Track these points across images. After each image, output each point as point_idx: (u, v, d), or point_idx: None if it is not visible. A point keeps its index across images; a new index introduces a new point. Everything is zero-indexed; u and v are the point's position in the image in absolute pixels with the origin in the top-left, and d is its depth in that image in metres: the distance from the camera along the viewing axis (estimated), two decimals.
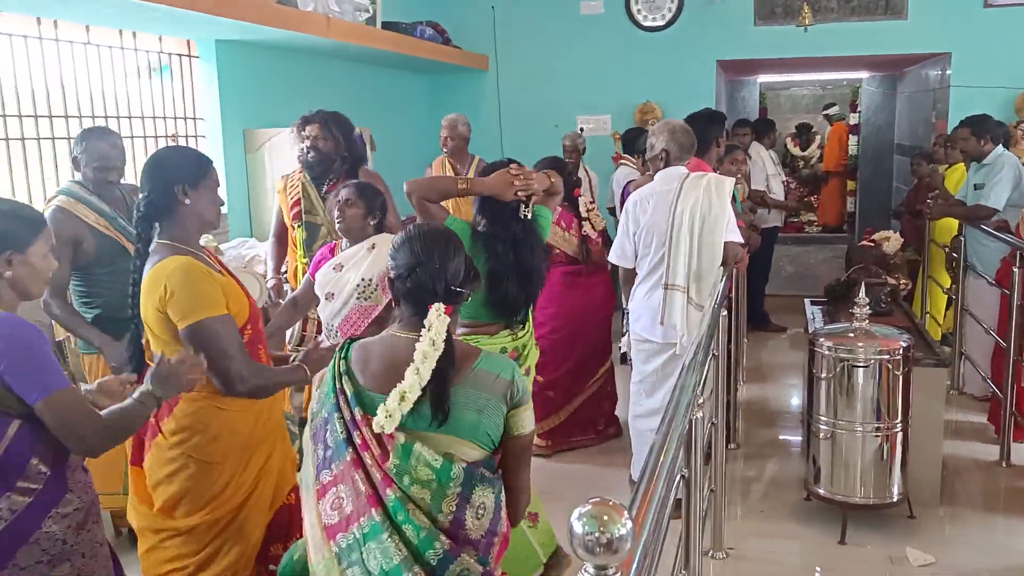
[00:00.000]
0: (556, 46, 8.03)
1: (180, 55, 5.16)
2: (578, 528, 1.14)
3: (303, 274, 3.98)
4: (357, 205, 3.35)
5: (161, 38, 4.97)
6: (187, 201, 2.42)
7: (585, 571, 1.15)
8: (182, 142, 5.21)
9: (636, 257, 4.03)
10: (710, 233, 3.82)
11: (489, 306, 3.14)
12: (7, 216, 2.07)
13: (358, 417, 1.82)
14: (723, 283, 3.79)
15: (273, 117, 5.44)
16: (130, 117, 4.81)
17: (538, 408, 4.45)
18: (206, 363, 2.25)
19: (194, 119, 5.30)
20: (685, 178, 3.90)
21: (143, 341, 2.52)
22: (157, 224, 2.45)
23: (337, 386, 1.88)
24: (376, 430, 1.78)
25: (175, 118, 5.16)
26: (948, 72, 7.39)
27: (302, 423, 4.25)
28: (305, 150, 4.07)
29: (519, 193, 3.09)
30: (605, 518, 1.13)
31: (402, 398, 1.77)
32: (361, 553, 1.76)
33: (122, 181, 3.61)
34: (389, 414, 1.77)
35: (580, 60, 7.99)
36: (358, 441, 1.81)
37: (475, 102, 8.15)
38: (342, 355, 1.94)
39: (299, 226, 4.07)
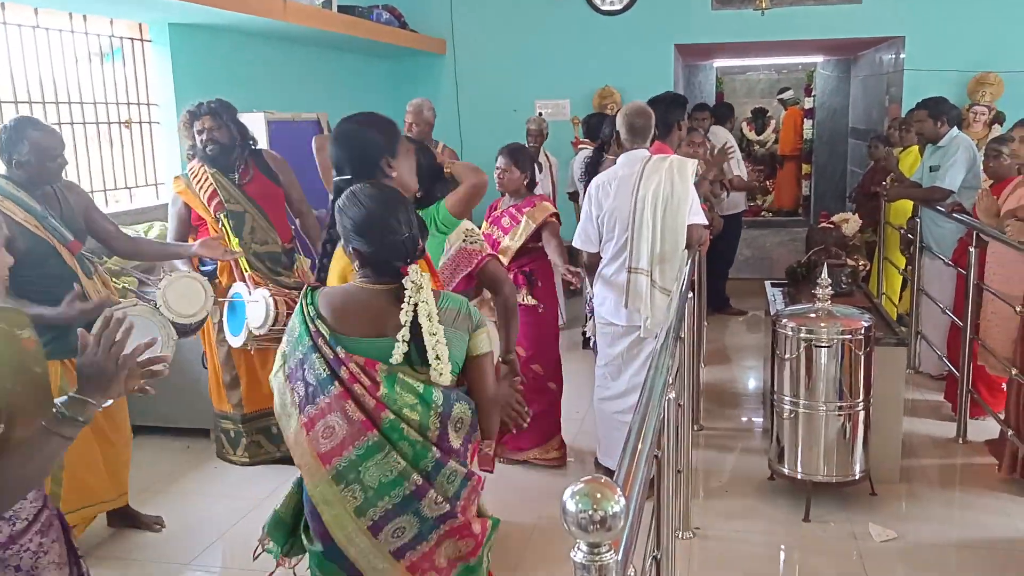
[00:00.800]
0: (514, 30, 8.00)
1: (132, 39, 5.03)
2: (571, 506, 1.13)
3: (239, 264, 3.92)
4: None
5: (112, 21, 4.84)
6: (393, 174, 2.37)
7: (579, 548, 1.14)
8: (135, 128, 5.10)
9: (600, 241, 4.03)
10: (673, 216, 3.82)
11: None
12: None
13: (342, 355, 1.97)
14: (688, 266, 3.80)
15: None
16: (81, 103, 4.68)
17: (550, 410, 4.45)
18: (167, 354, 2.08)
19: (148, 105, 5.18)
20: (647, 161, 3.90)
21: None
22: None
23: (312, 328, 2.01)
24: (436, 380, 1.98)
25: (128, 104, 5.04)
26: (902, 56, 7.51)
27: (244, 419, 4.21)
28: (202, 144, 3.97)
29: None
30: (598, 495, 1.13)
31: (437, 356, 1.98)
32: (359, 471, 1.95)
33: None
34: (439, 371, 1.98)
35: (538, 44, 7.97)
36: (345, 376, 1.97)
37: (433, 87, 8.09)
38: (308, 301, 2.05)
39: (224, 216, 3.96)
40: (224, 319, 3.98)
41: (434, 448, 1.99)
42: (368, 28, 6.51)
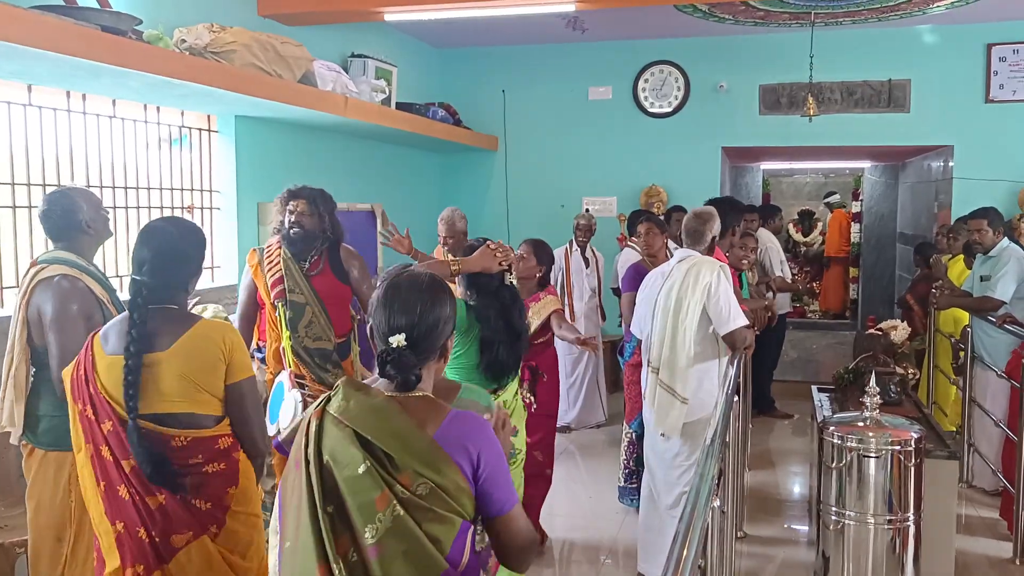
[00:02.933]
0: (564, 129, 8.20)
1: (200, 129, 5.26)
2: None
3: (286, 355, 3.85)
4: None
5: (183, 112, 5.08)
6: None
7: None
8: (198, 213, 5.28)
9: None
10: (683, 319, 3.87)
11: (482, 370, 3.31)
12: None
13: None
14: (734, 368, 3.79)
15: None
16: (148, 188, 4.88)
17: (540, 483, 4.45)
18: None
19: (210, 191, 5.38)
20: (680, 261, 3.98)
21: None
22: None
23: None
24: None
25: (191, 190, 5.23)
26: (951, 164, 7.53)
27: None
28: (288, 225, 3.92)
29: (502, 263, 3.34)
30: None
31: None
32: None
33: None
34: None
35: (587, 143, 8.15)
36: None
37: (483, 181, 8.30)
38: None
39: (282, 304, 3.88)
40: (269, 402, 3.99)
41: None
42: (424, 125, 6.73)
